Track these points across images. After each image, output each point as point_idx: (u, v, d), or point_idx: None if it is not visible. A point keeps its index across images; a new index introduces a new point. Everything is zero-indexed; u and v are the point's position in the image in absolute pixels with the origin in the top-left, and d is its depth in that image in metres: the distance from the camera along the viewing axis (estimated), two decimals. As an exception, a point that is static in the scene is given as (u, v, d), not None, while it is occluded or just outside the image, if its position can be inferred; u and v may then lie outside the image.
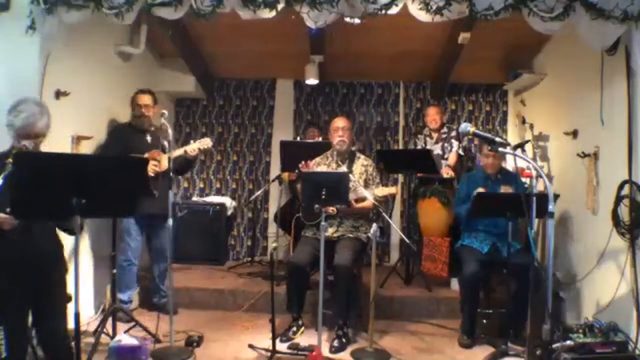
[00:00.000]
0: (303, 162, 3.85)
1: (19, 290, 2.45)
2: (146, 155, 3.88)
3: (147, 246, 4.26)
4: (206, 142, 3.94)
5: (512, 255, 3.45)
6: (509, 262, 3.60)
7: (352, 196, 3.70)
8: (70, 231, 2.58)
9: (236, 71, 5.84)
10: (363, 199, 3.81)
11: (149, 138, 4.05)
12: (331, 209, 3.72)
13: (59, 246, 2.65)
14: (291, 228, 4.50)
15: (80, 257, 3.90)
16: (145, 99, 4.06)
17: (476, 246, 3.85)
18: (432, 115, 5.18)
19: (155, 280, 4.25)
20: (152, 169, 3.88)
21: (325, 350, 3.45)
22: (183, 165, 4.09)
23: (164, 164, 3.82)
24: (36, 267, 2.48)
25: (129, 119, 4.20)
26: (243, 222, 5.99)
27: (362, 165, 3.98)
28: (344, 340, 3.59)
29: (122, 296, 4.02)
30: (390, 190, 3.80)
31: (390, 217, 5.28)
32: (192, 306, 4.36)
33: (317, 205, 3.40)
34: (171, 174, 3.53)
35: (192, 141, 3.98)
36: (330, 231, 3.83)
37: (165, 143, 3.80)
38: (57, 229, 2.63)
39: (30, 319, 2.56)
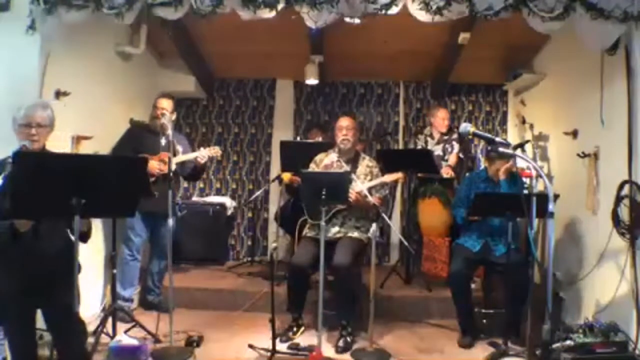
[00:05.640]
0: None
1: (24, 290, 2.42)
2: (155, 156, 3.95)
3: (150, 243, 4.27)
4: (216, 151, 4.06)
5: (506, 255, 3.45)
6: (501, 262, 3.62)
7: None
8: (82, 236, 2.55)
9: (236, 71, 5.83)
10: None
11: (162, 141, 4.08)
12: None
13: (70, 246, 2.57)
14: (292, 229, 4.46)
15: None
16: (163, 103, 4.14)
17: (468, 245, 3.85)
18: (443, 119, 5.05)
19: (153, 277, 4.26)
20: (156, 169, 3.94)
21: (330, 351, 3.46)
22: (192, 172, 4.20)
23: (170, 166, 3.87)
24: (42, 267, 2.45)
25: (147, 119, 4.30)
26: (243, 222, 5.99)
27: (367, 166, 3.95)
28: (348, 339, 3.58)
29: (124, 293, 4.03)
30: (398, 175, 3.84)
31: (390, 217, 5.28)
32: (192, 306, 4.35)
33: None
34: (171, 174, 3.54)
35: (202, 148, 4.09)
36: (332, 231, 3.83)
37: (179, 147, 3.99)
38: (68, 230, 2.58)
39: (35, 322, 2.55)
